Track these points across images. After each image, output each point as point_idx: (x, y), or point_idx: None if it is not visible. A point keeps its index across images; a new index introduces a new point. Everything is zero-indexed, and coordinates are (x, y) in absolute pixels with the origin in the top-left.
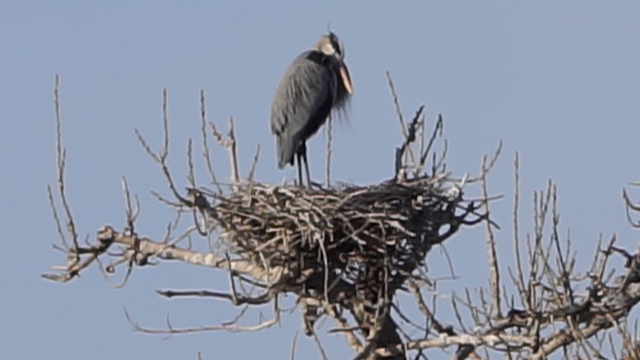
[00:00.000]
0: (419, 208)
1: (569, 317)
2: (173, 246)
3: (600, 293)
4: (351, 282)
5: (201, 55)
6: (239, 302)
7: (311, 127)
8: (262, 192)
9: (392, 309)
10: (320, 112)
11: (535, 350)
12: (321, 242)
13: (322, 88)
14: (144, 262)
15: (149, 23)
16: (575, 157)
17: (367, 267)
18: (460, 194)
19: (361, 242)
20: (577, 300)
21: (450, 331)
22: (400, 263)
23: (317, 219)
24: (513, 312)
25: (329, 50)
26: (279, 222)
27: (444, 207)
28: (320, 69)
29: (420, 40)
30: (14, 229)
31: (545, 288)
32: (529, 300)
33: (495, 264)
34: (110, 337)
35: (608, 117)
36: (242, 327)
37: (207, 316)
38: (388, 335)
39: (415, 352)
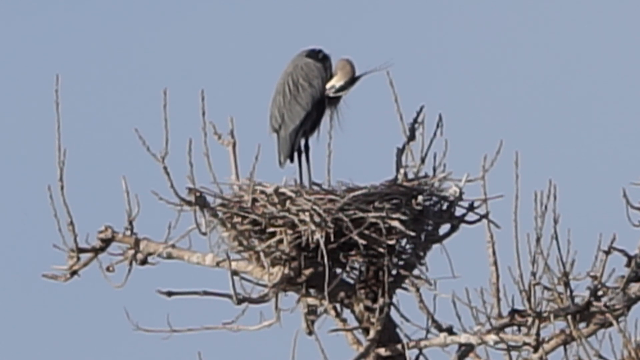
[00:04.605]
0: (419, 207)
1: (569, 317)
2: (173, 246)
3: (600, 293)
4: (351, 281)
5: (201, 55)
6: (239, 301)
7: (308, 124)
8: (262, 192)
9: (392, 308)
10: (315, 109)
11: (536, 349)
12: (321, 241)
13: (318, 85)
14: (144, 262)
15: (149, 23)
16: (575, 157)
17: (367, 266)
18: (461, 193)
19: (361, 241)
20: (577, 300)
21: (450, 331)
22: (401, 263)
23: (317, 219)
24: (513, 312)
25: (342, 78)
26: (280, 222)
27: (444, 207)
28: (317, 66)
29: (420, 40)
30: (14, 229)
31: (546, 288)
32: (529, 300)
33: (495, 263)
34: (110, 337)
35: (608, 117)
36: (243, 327)
37: (207, 316)
38: (388, 334)
39: (416, 351)
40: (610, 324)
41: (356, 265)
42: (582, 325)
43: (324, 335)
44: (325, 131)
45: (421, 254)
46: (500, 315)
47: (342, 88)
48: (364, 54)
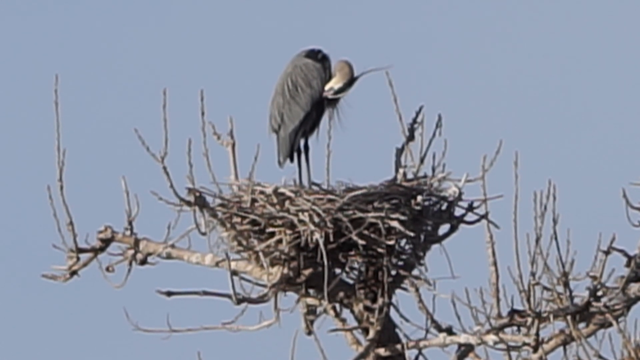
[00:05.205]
0: (418, 208)
1: (568, 317)
2: (173, 246)
3: (600, 293)
4: (351, 281)
5: (201, 55)
6: (239, 301)
7: (307, 125)
8: (261, 192)
9: (391, 308)
10: (314, 109)
11: (535, 350)
12: (321, 241)
13: (317, 86)
14: (143, 262)
15: (149, 23)
16: (575, 157)
17: (366, 266)
18: (460, 193)
19: (361, 241)
20: (576, 300)
21: (449, 331)
22: (400, 263)
23: (316, 219)
24: (513, 312)
25: (340, 80)
26: (279, 222)
27: (444, 207)
28: (316, 67)
29: (419, 40)
30: (14, 229)
31: (545, 288)
32: (528, 300)
33: (495, 263)
34: (110, 337)
35: (608, 117)
36: (242, 327)
37: (207, 316)
38: (388, 334)
39: (415, 351)
40: (610, 324)
41: (355, 265)
42: (581, 325)
43: (324, 335)
44: (324, 131)
45: (420, 254)
46: (499, 316)
47: (341, 90)
48: (363, 54)
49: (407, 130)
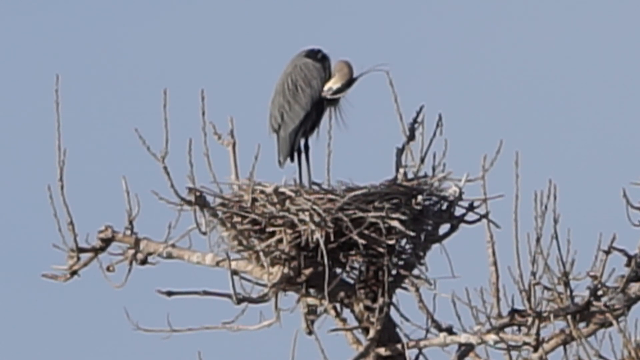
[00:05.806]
0: (419, 207)
1: (569, 317)
2: (173, 245)
3: (600, 292)
4: (351, 281)
5: (201, 55)
6: (239, 301)
7: (307, 125)
8: (262, 192)
9: (392, 308)
10: (314, 109)
11: (536, 349)
12: (321, 241)
13: (317, 85)
14: (144, 261)
15: (149, 23)
16: (575, 157)
17: (367, 266)
18: (460, 193)
19: (361, 241)
20: (577, 300)
21: (450, 330)
22: (401, 262)
23: (317, 219)
24: (513, 312)
25: (339, 80)
26: (279, 222)
27: (444, 207)
28: (316, 67)
29: (420, 40)
30: (14, 228)
31: (546, 287)
32: (529, 300)
33: (495, 263)
34: (110, 337)
35: (608, 117)
36: (242, 327)
37: (207, 315)
38: (388, 334)
39: (415, 351)
40: (610, 324)
41: (356, 265)
42: (582, 325)
43: (324, 335)
44: (324, 131)
45: (421, 253)
46: (500, 315)
47: (339, 90)
48: (363, 54)
49: (408, 130)
